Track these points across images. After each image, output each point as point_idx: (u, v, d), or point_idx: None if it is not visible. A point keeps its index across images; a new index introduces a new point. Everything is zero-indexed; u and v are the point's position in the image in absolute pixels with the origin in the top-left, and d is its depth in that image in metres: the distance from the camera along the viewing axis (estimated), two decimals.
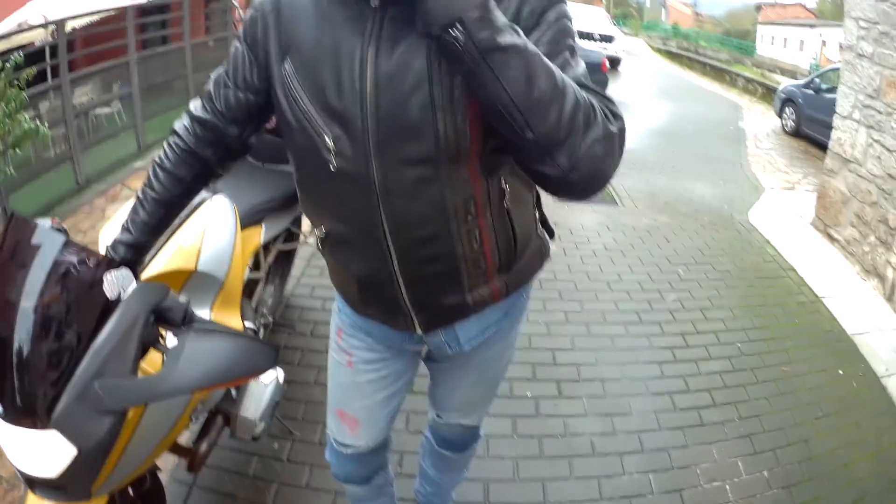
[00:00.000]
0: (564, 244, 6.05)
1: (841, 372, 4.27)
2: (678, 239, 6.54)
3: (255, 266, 3.56)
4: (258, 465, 3.28)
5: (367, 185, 1.47)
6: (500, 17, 1.18)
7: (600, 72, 13.16)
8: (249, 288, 3.48)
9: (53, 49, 8.66)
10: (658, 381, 3.94)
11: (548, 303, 4.80)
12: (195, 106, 1.74)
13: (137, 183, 8.13)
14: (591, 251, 6.01)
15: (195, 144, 1.74)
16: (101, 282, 1.64)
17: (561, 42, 1.37)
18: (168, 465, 3.14)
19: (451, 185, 1.47)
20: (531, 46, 1.21)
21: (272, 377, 2.87)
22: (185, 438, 2.77)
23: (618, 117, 1.33)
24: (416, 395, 2.49)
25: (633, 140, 11.46)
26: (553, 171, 1.29)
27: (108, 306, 1.63)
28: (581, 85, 1.31)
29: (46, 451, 1.67)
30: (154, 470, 2.51)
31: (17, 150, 6.07)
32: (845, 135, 6.91)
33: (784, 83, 17.18)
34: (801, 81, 15.56)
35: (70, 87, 8.61)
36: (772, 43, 51.50)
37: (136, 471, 2.09)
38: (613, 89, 15.73)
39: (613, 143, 1.31)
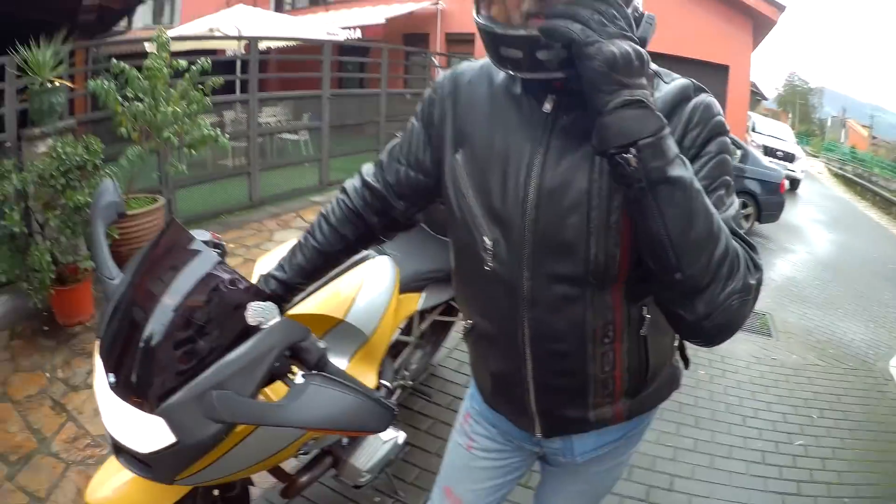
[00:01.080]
0: (713, 370, 6.13)
1: None
2: (820, 381, 6.47)
3: (407, 330, 3.67)
4: None
5: (516, 292, 1.54)
6: (673, 147, 1.22)
7: (778, 193, 12.84)
8: (397, 348, 3.56)
9: (244, 64, 8.96)
10: None
11: (682, 428, 4.91)
12: (367, 171, 1.87)
13: (312, 216, 8.59)
14: (736, 381, 6.04)
15: (362, 208, 1.86)
16: (245, 306, 1.72)
17: (718, 178, 1.38)
18: (265, 484, 3.34)
19: (594, 307, 1.51)
20: (696, 183, 1.24)
21: (392, 436, 2.99)
22: (290, 465, 2.93)
23: (758, 268, 1.34)
24: (524, 488, 2.60)
25: (800, 270, 11.46)
26: (688, 316, 1.31)
27: (247, 331, 1.72)
28: (731, 229, 1.32)
29: (146, 429, 1.75)
30: (246, 482, 2.67)
31: (193, 151, 6.31)
32: None
33: None
34: None
35: (258, 105, 8.85)
36: None
37: (226, 477, 2.20)
38: (789, 213, 15.29)
39: (750, 295, 1.31)
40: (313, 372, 1.68)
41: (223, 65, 7.72)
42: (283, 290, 1.90)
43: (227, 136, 6.69)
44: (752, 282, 1.31)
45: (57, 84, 5.62)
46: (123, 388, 1.79)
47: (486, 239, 1.56)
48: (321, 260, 1.92)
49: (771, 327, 7.85)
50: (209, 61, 6.47)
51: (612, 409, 1.74)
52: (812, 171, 30.99)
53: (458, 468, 2.12)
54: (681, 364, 1.93)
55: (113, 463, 2.10)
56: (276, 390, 2.01)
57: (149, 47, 6.97)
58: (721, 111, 1.45)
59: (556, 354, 1.61)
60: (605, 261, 1.45)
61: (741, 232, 1.36)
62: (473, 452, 2.05)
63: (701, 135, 1.39)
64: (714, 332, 1.33)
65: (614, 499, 3.85)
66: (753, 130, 22.65)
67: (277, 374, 1.73)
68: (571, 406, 1.72)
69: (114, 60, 5.94)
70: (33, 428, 3.80)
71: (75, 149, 5.00)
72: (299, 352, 1.74)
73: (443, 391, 4.75)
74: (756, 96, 41.18)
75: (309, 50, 12.22)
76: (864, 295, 10.65)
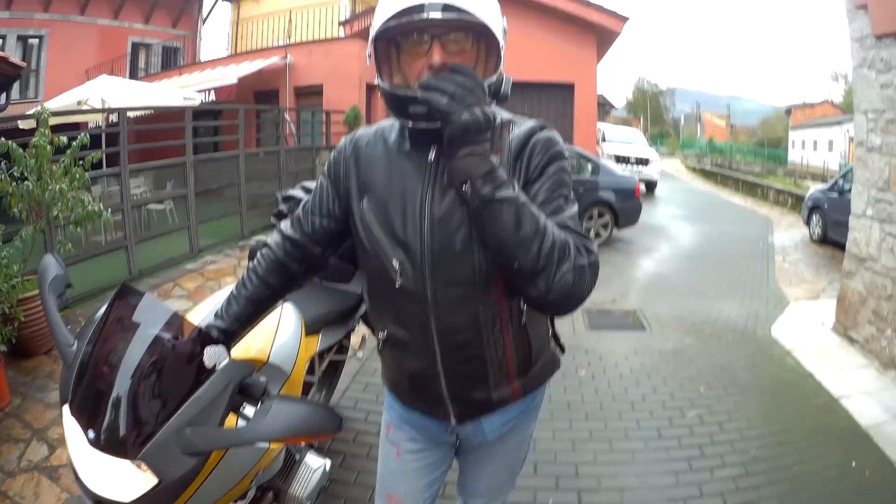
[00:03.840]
0: (593, 369, 6.43)
1: (854, 464, 4.45)
2: (702, 359, 6.84)
3: (310, 371, 3.91)
4: None
5: (422, 299, 1.91)
6: (501, 177, 1.67)
7: (634, 198, 13.43)
8: (304, 390, 3.79)
9: (108, 137, 8.90)
10: (673, 489, 4.20)
11: (574, 422, 5.13)
12: (285, 227, 2.20)
13: (189, 283, 8.70)
14: (619, 374, 6.35)
15: (284, 258, 2.18)
16: (200, 354, 1.95)
17: (557, 191, 1.82)
18: None
19: (483, 302, 1.91)
20: (522, 198, 1.68)
21: (320, 464, 3.18)
22: None
23: (590, 252, 1.73)
24: (445, 499, 2.77)
25: (665, 265, 11.92)
26: (534, 293, 1.70)
27: (201, 374, 1.93)
28: (565, 226, 1.74)
29: (127, 478, 1.91)
30: None
31: (78, 229, 6.30)
32: (860, 234, 6.96)
33: (811, 190, 16.82)
34: (825, 185, 15.44)
35: (128, 177, 8.77)
36: (802, 147, 51.29)
37: None
38: (648, 214, 15.95)
39: (584, 272, 1.70)
40: (262, 401, 1.94)
41: (91, 139, 7.47)
42: (224, 337, 2.14)
43: (109, 210, 6.62)
44: (584, 263, 1.71)
45: None
46: (105, 443, 1.93)
47: (394, 261, 1.92)
48: (253, 307, 2.21)
49: (644, 321, 8.28)
50: (88, 136, 6.47)
51: (509, 388, 2.13)
52: (669, 170, 32.20)
53: (393, 474, 2.45)
54: (557, 349, 2.35)
55: None
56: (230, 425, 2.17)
57: (22, 125, 7.05)
58: (559, 141, 1.93)
59: (459, 345, 1.98)
60: (487, 266, 1.86)
61: (576, 228, 1.79)
62: (403, 457, 2.38)
63: (542, 160, 1.86)
64: (559, 304, 1.74)
65: (528, 494, 4.06)
66: (604, 140, 23.61)
67: (231, 409, 1.94)
68: (477, 389, 2.09)
69: (0, 139, 5.82)
70: None
71: None
72: (246, 387, 1.97)
73: (346, 429, 4.85)
74: (604, 107, 42.27)
75: (168, 117, 12.19)
76: (735, 274, 11.19)
